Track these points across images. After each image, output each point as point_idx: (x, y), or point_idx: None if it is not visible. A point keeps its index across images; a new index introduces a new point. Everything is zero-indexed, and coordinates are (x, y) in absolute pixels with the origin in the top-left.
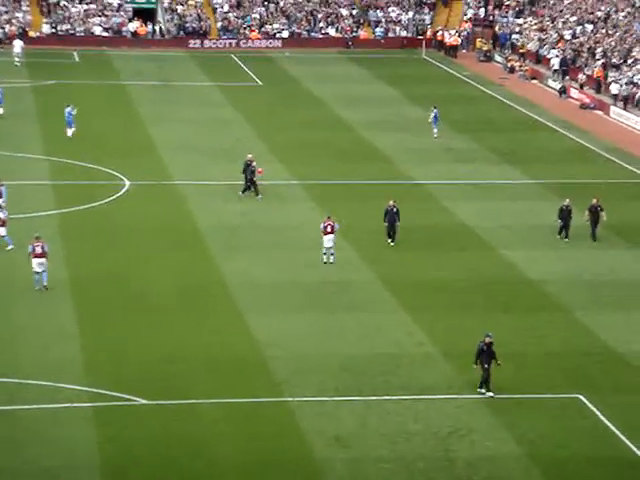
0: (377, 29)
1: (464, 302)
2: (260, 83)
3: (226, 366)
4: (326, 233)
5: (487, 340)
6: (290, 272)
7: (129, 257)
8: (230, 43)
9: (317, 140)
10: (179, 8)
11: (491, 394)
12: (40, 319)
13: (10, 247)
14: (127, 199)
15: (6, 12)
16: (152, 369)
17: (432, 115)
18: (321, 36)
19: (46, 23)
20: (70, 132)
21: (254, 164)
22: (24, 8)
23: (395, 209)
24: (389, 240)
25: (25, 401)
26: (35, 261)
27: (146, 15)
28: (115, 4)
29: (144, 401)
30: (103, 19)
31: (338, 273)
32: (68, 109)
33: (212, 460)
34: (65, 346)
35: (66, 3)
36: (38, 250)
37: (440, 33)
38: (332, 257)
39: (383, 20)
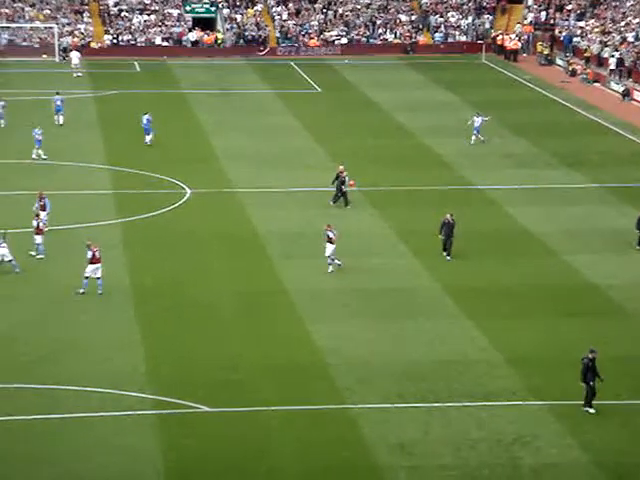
0: (436, 34)
1: (527, 308)
2: (319, 90)
3: (288, 373)
4: (329, 241)
5: (591, 355)
6: (351, 279)
7: (190, 265)
8: (289, 51)
9: (376, 146)
10: (238, 17)
11: (593, 410)
12: (103, 327)
13: (40, 256)
14: (188, 207)
15: (68, 24)
16: (214, 376)
17: (475, 121)
18: (380, 42)
19: (107, 34)
20: (148, 139)
21: (344, 175)
22: (86, 20)
23: (452, 221)
24: (444, 254)
25: (89, 409)
26: (91, 267)
27: (205, 24)
28: (175, 14)
29: (207, 408)
30: (163, 29)
31: (399, 280)
32: (146, 116)
33: (274, 467)
34: (128, 354)
35: (127, 14)
36: (97, 255)
37: (500, 37)
38: (330, 267)
39: (442, 25)
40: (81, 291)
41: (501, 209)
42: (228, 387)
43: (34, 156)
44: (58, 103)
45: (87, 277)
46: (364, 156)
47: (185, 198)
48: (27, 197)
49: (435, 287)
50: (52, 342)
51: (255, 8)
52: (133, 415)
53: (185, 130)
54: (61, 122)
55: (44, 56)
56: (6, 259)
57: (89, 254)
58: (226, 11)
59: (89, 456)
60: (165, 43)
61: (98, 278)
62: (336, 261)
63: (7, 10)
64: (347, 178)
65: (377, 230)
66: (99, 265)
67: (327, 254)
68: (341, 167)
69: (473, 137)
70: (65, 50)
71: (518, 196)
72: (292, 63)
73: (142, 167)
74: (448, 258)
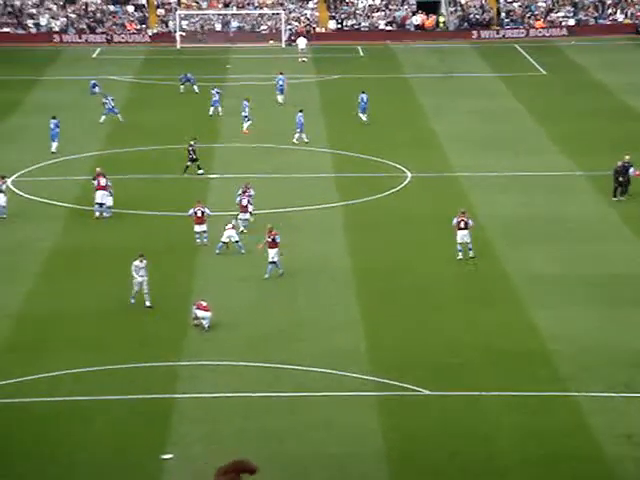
0: None
1: None
2: (544, 73)
3: (509, 359)
4: (459, 229)
5: None
6: (573, 264)
7: (411, 248)
8: (514, 33)
9: (602, 130)
10: (462, 0)
11: None
12: (324, 308)
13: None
14: (409, 191)
15: (294, 10)
16: (434, 359)
17: None
18: (609, 23)
19: (332, 19)
20: (364, 117)
21: (630, 166)
22: (311, 5)
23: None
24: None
25: (311, 389)
26: (271, 251)
27: (430, 8)
28: None
29: (427, 392)
30: (387, 12)
31: (624, 266)
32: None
33: (494, 454)
34: (349, 335)
35: None
36: (277, 239)
37: None
38: (469, 252)
39: None
40: (266, 276)
41: None
42: (448, 371)
43: (295, 140)
44: (280, 83)
45: (272, 262)
46: (589, 140)
47: (406, 182)
48: (253, 180)
49: None
50: (276, 322)
51: None
52: (354, 396)
53: (407, 114)
54: (281, 101)
55: (271, 42)
56: (233, 239)
57: (268, 239)
58: None
59: (310, 435)
60: (389, 27)
61: (274, 262)
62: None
63: None
64: (633, 168)
65: (603, 216)
66: (277, 249)
67: (461, 241)
68: (627, 157)
69: None
70: (291, 36)
71: None
72: (516, 45)
73: (363, 151)
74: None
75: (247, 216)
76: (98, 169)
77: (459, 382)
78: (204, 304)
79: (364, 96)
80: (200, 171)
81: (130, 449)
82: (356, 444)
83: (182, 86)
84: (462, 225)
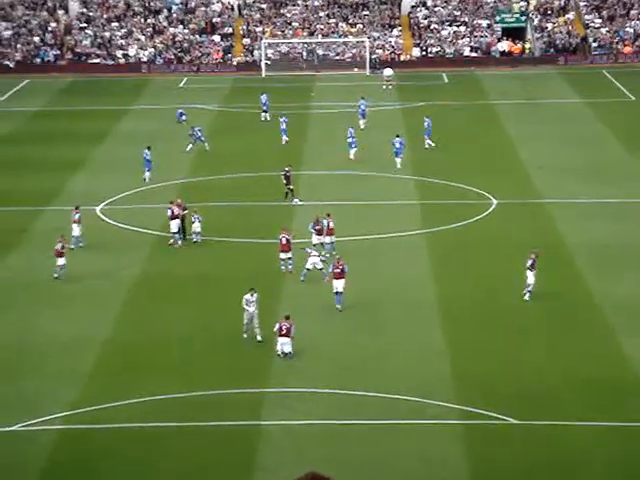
0: None
1: None
2: (633, 98)
3: (599, 387)
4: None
5: None
6: None
7: (497, 275)
8: (602, 59)
9: None
10: (549, 25)
11: None
12: (410, 336)
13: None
14: (494, 218)
15: (379, 37)
16: (521, 388)
17: None
18: None
19: (416, 46)
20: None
21: None
22: (395, 33)
23: None
24: None
25: (396, 417)
26: (337, 282)
27: (515, 34)
28: (484, 24)
29: (514, 421)
30: (472, 39)
31: None
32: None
33: None
34: (435, 363)
35: (437, 26)
36: (337, 270)
37: None
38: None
39: None
40: (338, 307)
41: None
42: (535, 400)
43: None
44: (362, 107)
45: (337, 292)
46: None
47: (491, 208)
48: (337, 207)
49: None
50: (360, 350)
51: (567, 16)
52: (439, 424)
53: (492, 140)
54: (362, 127)
55: (355, 70)
56: (317, 267)
57: (336, 269)
58: (536, 20)
59: (395, 463)
60: (474, 54)
61: (339, 293)
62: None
63: (322, 26)
64: None
65: None
66: (343, 280)
67: None
68: None
69: None
70: (375, 63)
71: None
72: (604, 71)
73: (448, 177)
74: None
75: (332, 239)
76: (178, 200)
77: (546, 411)
78: (284, 329)
79: (429, 121)
80: (295, 200)
81: (217, 476)
82: (440, 473)
83: (264, 114)
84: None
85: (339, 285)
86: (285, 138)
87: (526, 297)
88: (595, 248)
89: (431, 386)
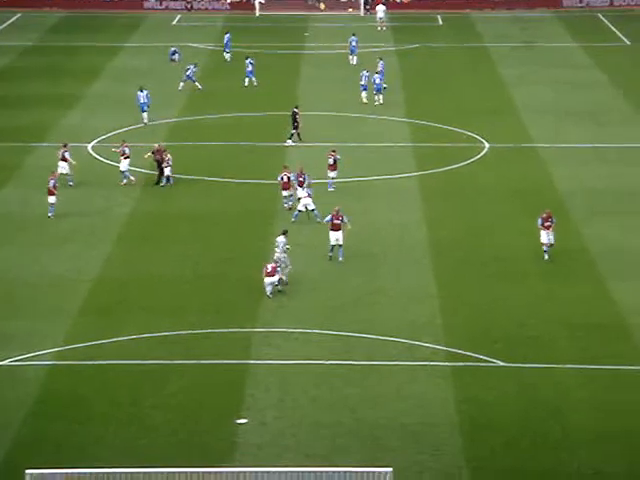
0: None
1: None
2: (628, 43)
3: (586, 332)
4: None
5: None
6: None
7: (486, 220)
8: (597, 1)
9: None
10: None
11: None
12: (400, 279)
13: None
14: (486, 162)
15: None
16: (509, 331)
17: None
18: None
19: None
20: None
21: None
22: None
23: None
24: None
25: (384, 357)
26: (335, 234)
27: None
28: None
29: (502, 363)
30: None
31: None
32: None
33: (567, 428)
34: (423, 306)
35: None
36: (336, 222)
37: None
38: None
39: None
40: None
41: None
42: (524, 343)
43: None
44: (353, 44)
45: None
46: None
47: (483, 152)
48: (324, 149)
49: None
50: (352, 290)
51: None
52: (428, 366)
53: (486, 84)
54: (354, 62)
55: (350, 10)
56: (309, 207)
57: (334, 221)
58: None
59: (384, 403)
60: None
61: (340, 245)
62: None
63: None
64: None
65: None
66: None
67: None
68: None
69: None
70: (369, 3)
71: None
72: (600, 15)
73: (441, 120)
74: None
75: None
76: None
77: (534, 354)
78: (269, 269)
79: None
80: (288, 141)
81: (204, 413)
82: (428, 414)
83: (227, 54)
84: (547, 224)
85: (339, 237)
86: (251, 80)
87: (545, 257)
88: (588, 193)
89: (421, 328)
